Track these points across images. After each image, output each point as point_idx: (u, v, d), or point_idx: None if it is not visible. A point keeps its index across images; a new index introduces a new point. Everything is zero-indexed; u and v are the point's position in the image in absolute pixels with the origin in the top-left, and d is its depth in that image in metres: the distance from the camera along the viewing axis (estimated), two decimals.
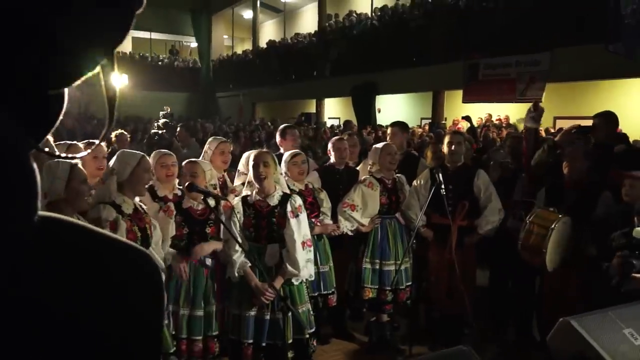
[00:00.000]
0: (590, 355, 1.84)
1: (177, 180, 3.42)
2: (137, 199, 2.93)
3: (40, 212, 0.52)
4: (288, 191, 3.15)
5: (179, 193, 3.29)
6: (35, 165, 0.52)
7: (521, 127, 11.68)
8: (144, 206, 2.92)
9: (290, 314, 2.69)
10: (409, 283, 4.04)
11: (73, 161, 2.35)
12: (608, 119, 4.03)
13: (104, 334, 0.55)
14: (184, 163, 3.13)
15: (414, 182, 4.11)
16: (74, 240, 0.57)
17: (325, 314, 4.11)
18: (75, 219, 2.36)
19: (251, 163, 3.04)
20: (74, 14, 0.50)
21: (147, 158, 2.85)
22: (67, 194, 2.31)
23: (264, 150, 3.21)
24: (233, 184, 3.99)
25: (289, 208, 2.98)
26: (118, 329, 0.56)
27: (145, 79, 18.64)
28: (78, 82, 0.55)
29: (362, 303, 4.04)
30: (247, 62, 20.14)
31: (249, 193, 3.11)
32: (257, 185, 3.03)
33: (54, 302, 0.51)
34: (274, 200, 3.02)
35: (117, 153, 2.84)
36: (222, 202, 3.11)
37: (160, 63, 22.40)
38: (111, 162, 2.81)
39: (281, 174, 3.19)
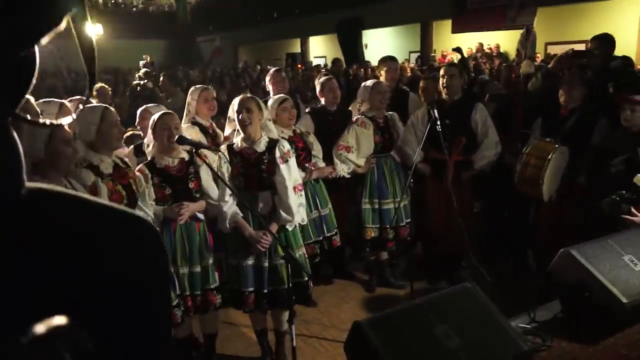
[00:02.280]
0: (591, 282, 1.87)
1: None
2: (120, 152, 2.83)
3: (28, 184, 0.51)
4: (276, 136, 3.05)
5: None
6: (15, 135, 0.50)
7: (512, 55, 11.48)
8: (126, 160, 2.82)
9: (289, 258, 2.69)
10: (409, 220, 4.07)
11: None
12: (604, 42, 3.92)
13: (102, 306, 0.53)
14: (158, 116, 2.87)
15: (411, 117, 4.04)
16: (62, 211, 0.55)
17: (325, 256, 4.16)
18: (65, 183, 2.29)
19: (234, 109, 2.93)
20: None
21: (110, 109, 2.64)
22: (47, 156, 2.20)
23: (248, 95, 3.06)
24: (223, 132, 3.90)
25: (277, 154, 2.90)
26: (118, 299, 0.55)
27: (120, 27, 17.84)
28: (47, 37, 0.49)
29: (365, 243, 4.08)
30: (225, 2, 19.32)
31: (235, 141, 3.02)
32: (241, 132, 2.94)
33: (41, 277, 0.49)
34: (260, 147, 2.93)
35: (77, 112, 2.66)
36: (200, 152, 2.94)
37: (134, 9, 21.43)
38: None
39: (269, 119, 3.07)
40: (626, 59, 4.10)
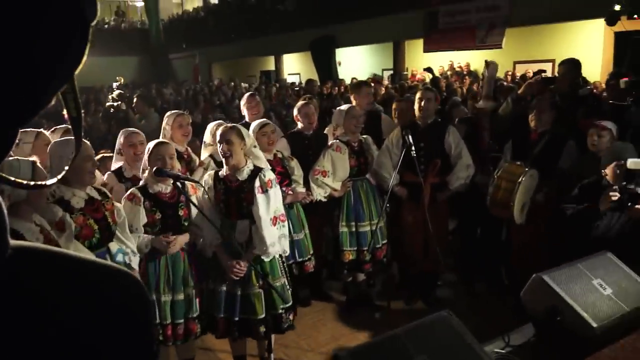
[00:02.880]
0: (563, 307, 1.93)
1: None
2: (99, 181, 2.79)
3: (12, 242, 0.53)
4: (263, 164, 3.06)
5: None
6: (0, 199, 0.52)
7: (482, 72, 11.79)
8: (105, 190, 2.78)
9: (267, 288, 2.68)
10: (385, 241, 4.11)
11: (31, 159, 2.20)
12: (571, 66, 4.06)
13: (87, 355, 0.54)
14: (153, 145, 2.90)
15: (386, 141, 4.10)
16: (47, 270, 0.56)
17: (302, 278, 4.15)
18: (34, 220, 2.24)
19: (212, 136, 2.95)
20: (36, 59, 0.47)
21: (85, 143, 2.58)
22: (29, 195, 2.16)
23: (229, 125, 3.06)
24: (199, 157, 3.89)
25: (257, 184, 2.89)
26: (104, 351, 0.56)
27: (92, 44, 17.57)
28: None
29: (343, 265, 4.10)
30: (199, 19, 19.32)
31: (222, 168, 3.04)
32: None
33: (29, 333, 0.50)
34: (242, 175, 2.94)
35: (50, 146, 2.59)
36: (188, 185, 2.98)
37: (106, 26, 21.20)
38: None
39: (254, 146, 3.08)
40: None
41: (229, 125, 3.05)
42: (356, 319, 4.09)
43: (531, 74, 8.86)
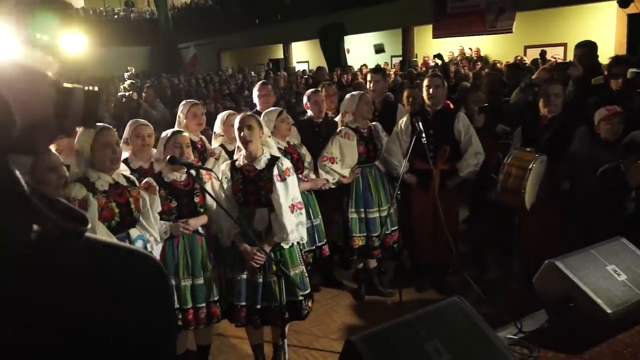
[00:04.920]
0: (576, 293, 1.92)
1: (154, 150, 3.31)
2: (124, 171, 2.84)
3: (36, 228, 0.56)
4: (277, 153, 3.09)
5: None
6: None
7: (492, 58, 11.66)
8: (133, 179, 2.83)
9: (281, 275, 2.70)
10: (395, 227, 4.12)
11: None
12: (588, 50, 3.96)
13: (110, 339, 0.56)
14: (170, 133, 2.94)
15: (395, 128, 4.09)
16: (70, 252, 0.57)
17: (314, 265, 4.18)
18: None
19: (236, 127, 2.95)
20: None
21: (106, 131, 2.63)
22: (32, 182, 2.19)
23: (248, 113, 3.11)
24: (211, 145, 3.91)
25: (275, 172, 2.93)
26: (124, 334, 0.57)
27: (102, 35, 17.68)
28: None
29: (352, 252, 4.12)
30: (207, 8, 19.25)
31: (237, 158, 3.05)
32: (243, 150, 2.97)
33: (50, 312, 0.53)
34: (260, 164, 2.96)
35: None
36: (203, 172, 3.03)
37: (115, 17, 21.23)
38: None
39: (269, 136, 3.11)
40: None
41: (248, 113, 3.09)
42: (367, 306, 4.12)
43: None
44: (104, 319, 0.57)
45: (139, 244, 2.66)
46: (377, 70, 4.87)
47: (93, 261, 0.61)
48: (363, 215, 4.03)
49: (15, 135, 0.61)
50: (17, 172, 0.60)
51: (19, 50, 0.68)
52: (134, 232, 2.68)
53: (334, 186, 3.97)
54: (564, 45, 10.78)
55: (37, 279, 0.53)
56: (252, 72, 13.60)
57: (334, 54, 14.02)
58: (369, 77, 4.67)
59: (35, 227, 0.56)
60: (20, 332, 0.51)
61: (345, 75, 10.48)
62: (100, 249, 0.64)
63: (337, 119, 4.39)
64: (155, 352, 0.62)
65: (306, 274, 3.16)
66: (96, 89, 0.72)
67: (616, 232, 2.24)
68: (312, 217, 3.78)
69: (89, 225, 0.61)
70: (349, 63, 13.54)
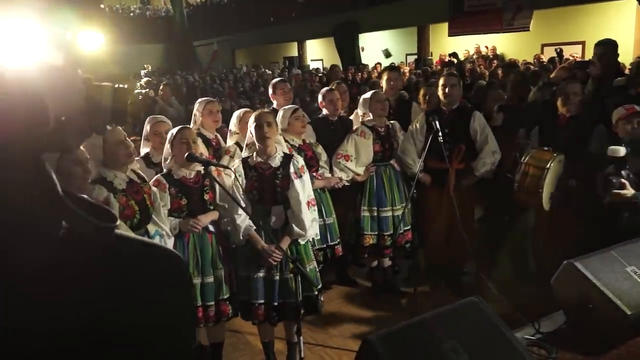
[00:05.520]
0: (595, 294, 1.90)
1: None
2: (135, 166, 2.87)
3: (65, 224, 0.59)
4: (287, 151, 3.10)
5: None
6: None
7: (509, 56, 11.54)
8: (143, 175, 2.86)
9: (297, 272, 2.72)
10: (407, 227, 4.10)
11: None
12: (609, 48, 3.89)
13: (132, 330, 0.59)
14: (177, 130, 2.96)
15: (410, 127, 4.08)
16: (97, 249, 0.60)
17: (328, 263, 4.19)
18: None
19: (253, 124, 2.96)
20: None
21: (116, 128, 2.65)
22: (58, 176, 2.23)
23: (265, 110, 3.13)
24: (226, 143, 3.93)
25: (292, 169, 2.95)
26: (147, 328, 0.59)
27: (118, 33, 17.84)
28: None
29: (363, 250, 4.12)
30: (222, 6, 19.34)
31: (249, 155, 3.05)
32: (259, 146, 2.97)
33: (77, 308, 0.55)
34: (275, 162, 2.98)
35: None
36: (212, 169, 3.02)
37: (131, 14, 21.43)
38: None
39: (279, 134, 3.13)
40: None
41: (265, 110, 3.11)
42: (382, 305, 4.11)
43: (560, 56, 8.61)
44: (131, 311, 0.59)
45: (156, 240, 2.69)
46: (393, 68, 4.85)
47: (127, 256, 0.63)
48: (375, 214, 4.02)
49: (48, 134, 0.63)
50: (53, 172, 0.62)
51: (48, 49, 0.69)
52: (151, 228, 2.72)
53: (347, 184, 3.97)
54: (582, 43, 10.62)
55: (68, 273, 0.55)
56: (267, 70, 13.64)
57: (349, 52, 13.99)
58: (385, 76, 4.66)
59: (63, 223, 0.58)
60: (50, 319, 0.53)
61: (360, 74, 10.46)
62: (133, 244, 0.65)
63: (351, 117, 4.38)
64: (178, 337, 0.64)
65: (317, 269, 3.20)
66: (125, 86, 0.74)
67: (628, 235, 2.22)
68: (324, 215, 3.78)
69: (118, 222, 0.63)
70: (363, 61, 13.50)
